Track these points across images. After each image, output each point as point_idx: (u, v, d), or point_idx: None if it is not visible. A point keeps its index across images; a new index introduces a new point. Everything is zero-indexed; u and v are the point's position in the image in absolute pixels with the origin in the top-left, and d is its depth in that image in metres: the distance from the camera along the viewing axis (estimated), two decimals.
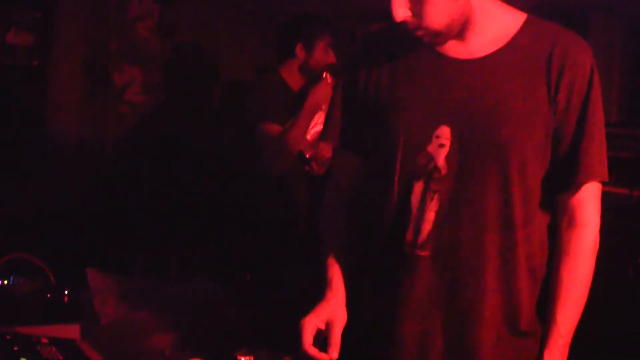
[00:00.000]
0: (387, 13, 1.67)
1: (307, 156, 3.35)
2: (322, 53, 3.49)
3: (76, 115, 4.18)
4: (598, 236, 1.76)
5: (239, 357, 1.85)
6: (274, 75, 3.54)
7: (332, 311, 1.76)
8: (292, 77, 3.51)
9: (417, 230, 1.72)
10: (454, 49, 1.74)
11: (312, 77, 3.44)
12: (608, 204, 3.24)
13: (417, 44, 1.75)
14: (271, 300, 3.18)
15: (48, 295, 2.44)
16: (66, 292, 2.45)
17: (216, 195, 4.18)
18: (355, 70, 1.85)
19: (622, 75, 4.28)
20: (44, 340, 2.05)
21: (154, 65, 4.40)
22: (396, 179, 1.75)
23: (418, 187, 1.73)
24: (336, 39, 3.52)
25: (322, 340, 1.74)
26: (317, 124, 3.33)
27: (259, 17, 4.70)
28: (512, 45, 1.73)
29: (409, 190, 1.73)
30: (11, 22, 3.86)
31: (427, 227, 1.72)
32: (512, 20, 1.75)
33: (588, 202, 1.74)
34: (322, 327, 1.74)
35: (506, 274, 1.72)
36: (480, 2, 1.72)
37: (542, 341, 1.74)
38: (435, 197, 1.71)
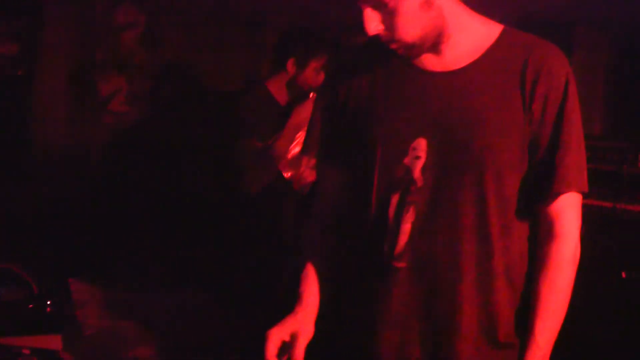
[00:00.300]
0: (361, 27, 1.68)
1: (286, 177, 3.31)
2: (313, 73, 3.45)
3: (61, 125, 4.17)
4: (578, 247, 1.74)
5: None
6: (261, 89, 3.48)
7: (298, 324, 1.77)
8: (280, 92, 3.45)
9: (394, 242, 1.73)
10: (430, 62, 1.75)
11: (298, 95, 3.41)
12: (592, 216, 3.28)
13: (394, 58, 1.76)
14: (258, 310, 3.17)
15: (30, 306, 2.42)
16: (49, 302, 2.43)
17: (202, 207, 4.17)
18: (335, 84, 1.86)
19: (606, 89, 4.32)
20: (26, 352, 2.04)
21: (139, 75, 4.39)
22: (374, 191, 1.76)
23: (395, 199, 1.73)
24: (330, 62, 3.44)
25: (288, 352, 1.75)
26: (298, 144, 3.30)
27: (247, 28, 4.71)
28: (487, 57, 1.73)
29: (386, 202, 1.74)
30: None
31: (403, 238, 1.72)
32: (488, 32, 1.76)
33: (566, 213, 1.72)
34: (287, 339, 1.74)
35: (483, 285, 1.72)
36: (454, 15, 1.72)
37: (521, 353, 1.73)
38: (411, 208, 1.72)
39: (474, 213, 1.70)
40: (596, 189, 3.20)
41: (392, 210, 1.74)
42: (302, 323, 1.77)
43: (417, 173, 1.71)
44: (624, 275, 3.12)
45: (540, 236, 1.74)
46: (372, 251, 1.77)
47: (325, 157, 1.90)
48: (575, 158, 1.71)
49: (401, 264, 1.73)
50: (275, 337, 1.73)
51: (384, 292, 1.75)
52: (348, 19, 1.81)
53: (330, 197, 1.91)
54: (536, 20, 3.83)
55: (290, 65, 3.41)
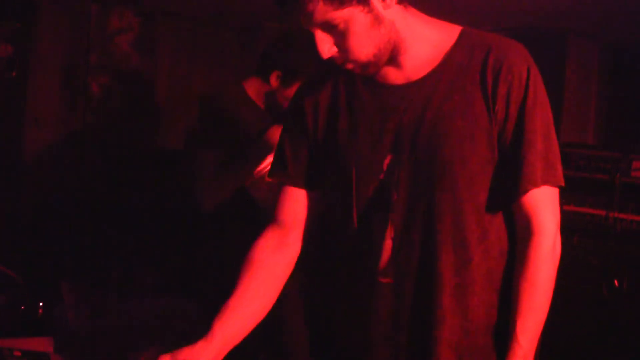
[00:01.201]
0: (315, 52, 1.65)
1: (253, 195, 2.99)
2: None
3: (54, 127, 4.16)
4: (557, 243, 1.71)
5: None
6: (238, 90, 3.07)
7: (193, 357, 1.72)
8: (258, 97, 3.06)
9: (377, 258, 1.74)
10: (391, 75, 1.73)
11: (276, 111, 3.01)
12: (584, 225, 3.30)
13: (355, 76, 1.74)
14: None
15: (22, 308, 2.41)
16: (40, 304, 2.42)
17: (194, 211, 4.16)
18: (301, 107, 1.84)
19: (599, 98, 4.33)
20: (17, 353, 2.03)
21: (133, 79, 4.39)
22: (354, 210, 1.76)
23: (375, 216, 1.74)
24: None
25: None
26: (268, 165, 2.79)
27: (241, 33, 4.71)
28: (446, 62, 1.71)
29: (367, 220, 1.75)
30: None
31: (386, 254, 1.73)
32: (445, 37, 1.73)
33: (540, 208, 1.68)
34: None
35: (463, 291, 1.72)
36: (408, 26, 1.70)
37: (502, 353, 1.70)
38: (390, 224, 1.72)
39: (450, 222, 1.69)
40: (589, 198, 3.21)
41: (374, 227, 1.74)
42: (198, 356, 1.73)
43: (393, 188, 1.71)
44: (616, 283, 3.13)
45: (518, 234, 1.73)
46: (357, 268, 1.78)
47: (293, 182, 1.86)
48: (541, 153, 1.68)
49: (387, 280, 1.74)
50: None
51: (372, 308, 1.76)
52: None
53: (290, 223, 1.88)
54: (530, 30, 3.86)
55: (274, 79, 2.98)
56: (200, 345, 1.74)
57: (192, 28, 4.59)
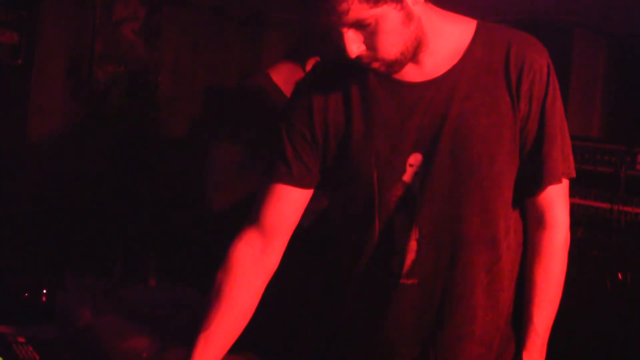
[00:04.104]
0: (341, 50, 1.59)
1: None
2: None
3: (59, 116, 4.16)
4: (568, 233, 1.76)
5: None
6: (264, 77, 2.80)
7: None
8: (286, 86, 2.76)
9: (402, 260, 1.71)
10: (409, 73, 1.68)
11: None
12: (589, 218, 3.29)
13: (370, 75, 1.69)
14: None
15: (26, 295, 2.42)
16: (44, 292, 2.43)
17: (198, 201, 4.17)
18: (308, 104, 1.75)
19: (604, 91, 4.32)
20: (21, 339, 2.04)
21: (138, 68, 4.39)
22: (376, 212, 1.71)
23: (398, 217, 1.70)
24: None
25: None
26: None
27: (246, 22, 4.71)
28: (466, 59, 1.68)
29: (390, 222, 1.71)
30: None
31: (410, 256, 1.71)
32: (463, 33, 1.70)
33: (556, 203, 1.73)
34: None
35: (494, 288, 1.73)
36: (429, 21, 1.66)
37: (520, 342, 1.75)
38: (415, 225, 1.69)
39: (479, 222, 1.68)
40: (594, 191, 3.21)
41: (397, 229, 1.71)
42: None
43: (417, 189, 1.68)
44: (620, 276, 3.13)
45: (532, 227, 1.75)
46: (379, 271, 1.74)
47: (302, 180, 1.77)
48: (560, 148, 1.71)
49: (410, 281, 1.72)
50: None
51: (396, 310, 1.74)
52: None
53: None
54: (536, 23, 3.85)
55: (310, 63, 2.72)
56: None
57: (198, 17, 4.59)
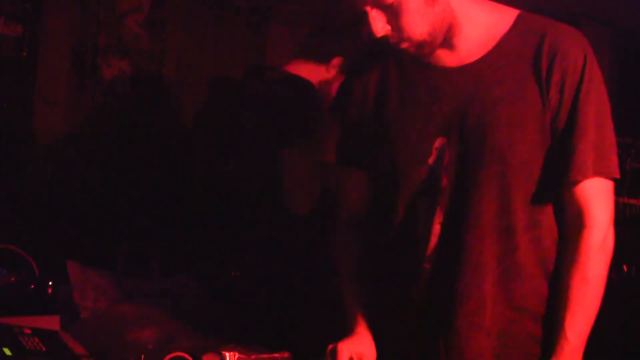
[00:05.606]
0: (369, 32, 1.64)
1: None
2: None
3: (63, 108, 4.16)
4: (609, 236, 1.68)
5: (222, 352, 1.84)
6: (300, 81, 2.64)
7: (365, 346, 1.78)
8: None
9: (425, 244, 1.72)
10: (444, 57, 1.71)
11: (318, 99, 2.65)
12: None
13: (406, 57, 1.73)
14: (257, 298, 3.14)
15: (32, 286, 2.42)
16: (50, 283, 2.44)
17: (205, 193, 4.17)
18: (351, 88, 1.84)
19: (610, 84, 4.31)
20: (27, 331, 2.04)
21: (143, 60, 4.38)
22: (400, 195, 1.74)
23: (422, 200, 1.72)
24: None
25: None
26: None
27: (251, 14, 4.70)
28: (501, 47, 1.69)
29: (414, 205, 1.73)
30: (0, 11, 3.83)
31: (434, 240, 1.71)
32: (501, 21, 1.71)
33: (592, 200, 1.66)
34: (354, 357, 1.74)
35: (507, 278, 1.70)
36: (463, 6, 1.68)
37: (549, 348, 1.69)
38: (439, 209, 1.70)
39: (495, 209, 1.67)
40: None
41: (421, 213, 1.72)
42: (368, 345, 1.79)
43: (441, 173, 1.69)
44: (625, 268, 3.12)
45: (567, 225, 1.70)
46: (402, 255, 1.76)
47: (346, 165, 1.86)
48: (593, 143, 1.65)
49: (428, 265, 1.72)
50: (345, 351, 1.73)
51: (415, 294, 1.74)
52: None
53: (354, 204, 1.88)
54: (541, 14, 3.83)
55: (334, 64, 2.61)
56: (363, 334, 1.81)
57: (202, 9, 4.58)
